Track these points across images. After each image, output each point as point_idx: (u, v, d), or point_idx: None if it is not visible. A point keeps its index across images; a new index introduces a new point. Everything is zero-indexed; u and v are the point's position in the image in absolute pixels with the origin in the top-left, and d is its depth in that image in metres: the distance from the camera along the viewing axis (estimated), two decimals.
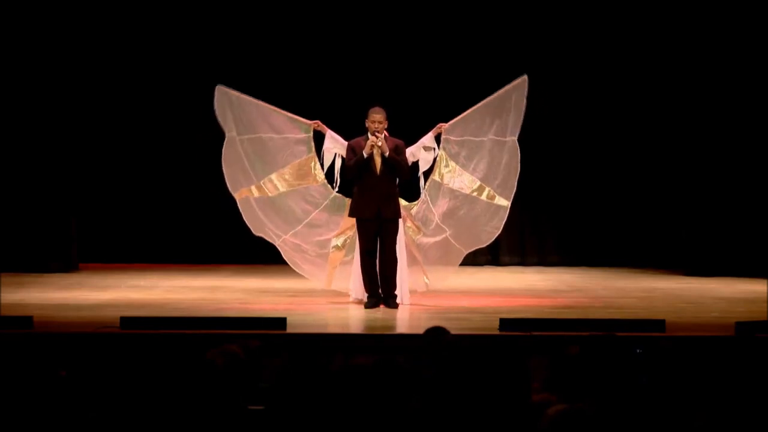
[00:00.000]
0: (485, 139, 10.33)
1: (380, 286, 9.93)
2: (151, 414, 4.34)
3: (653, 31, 13.98)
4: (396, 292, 9.96)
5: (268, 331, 8.18)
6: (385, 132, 9.94)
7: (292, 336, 8.14)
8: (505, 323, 8.34)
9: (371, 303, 9.89)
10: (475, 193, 10.37)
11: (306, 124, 10.45)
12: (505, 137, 10.29)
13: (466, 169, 10.37)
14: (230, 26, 14.50)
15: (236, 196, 10.43)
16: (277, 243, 10.45)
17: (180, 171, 14.56)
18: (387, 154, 9.81)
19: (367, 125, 9.97)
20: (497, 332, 8.19)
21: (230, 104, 10.43)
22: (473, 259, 14.71)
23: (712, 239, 13.28)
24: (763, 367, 4.58)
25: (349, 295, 10.39)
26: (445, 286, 10.69)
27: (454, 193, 10.38)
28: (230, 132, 10.44)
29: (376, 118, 9.89)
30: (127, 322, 8.31)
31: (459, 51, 14.57)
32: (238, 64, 14.63)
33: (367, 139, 9.88)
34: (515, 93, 10.27)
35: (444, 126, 10.34)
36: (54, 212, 13.40)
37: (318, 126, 10.40)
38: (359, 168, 9.89)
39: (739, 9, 13.13)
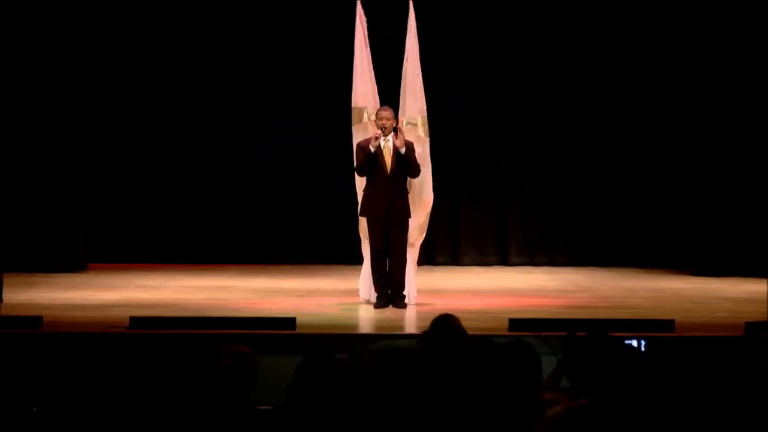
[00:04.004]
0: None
1: (389, 286, 9.92)
2: (160, 413, 4.34)
3: (657, 32, 13.96)
4: (404, 293, 9.95)
5: (277, 331, 8.19)
6: (400, 128, 9.93)
7: (302, 336, 8.15)
8: (514, 323, 8.34)
9: (380, 303, 9.87)
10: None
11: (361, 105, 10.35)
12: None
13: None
14: (231, 26, 14.49)
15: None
16: None
17: (187, 170, 14.56)
18: (402, 149, 9.78)
19: (374, 123, 9.96)
20: (506, 332, 8.18)
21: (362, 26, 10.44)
22: (482, 260, 14.74)
23: (720, 239, 13.25)
24: None
25: (358, 295, 10.39)
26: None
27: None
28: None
29: (383, 115, 9.87)
30: (136, 322, 8.31)
31: (460, 51, 14.58)
32: (239, 64, 14.64)
33: (376, 138, 9.85)
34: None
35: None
36: (62, 212, 13.39)
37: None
38: (369, 165, 9.87)
39: (739, 9, 13.10)
